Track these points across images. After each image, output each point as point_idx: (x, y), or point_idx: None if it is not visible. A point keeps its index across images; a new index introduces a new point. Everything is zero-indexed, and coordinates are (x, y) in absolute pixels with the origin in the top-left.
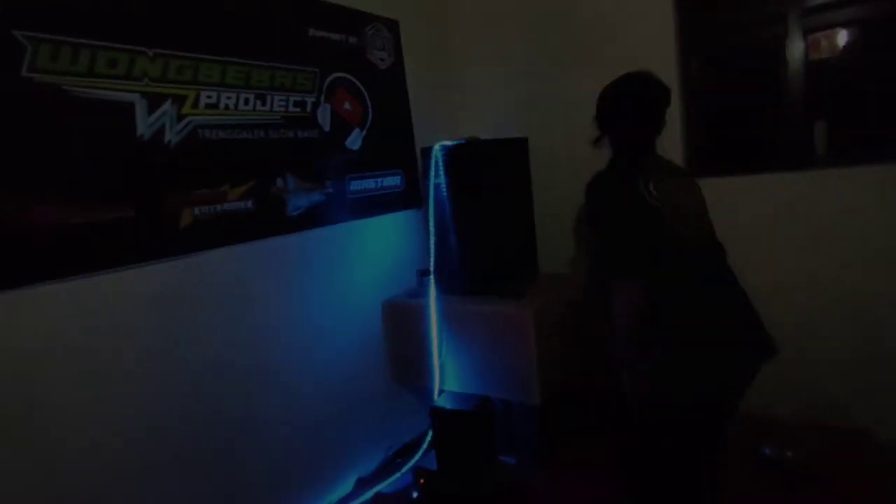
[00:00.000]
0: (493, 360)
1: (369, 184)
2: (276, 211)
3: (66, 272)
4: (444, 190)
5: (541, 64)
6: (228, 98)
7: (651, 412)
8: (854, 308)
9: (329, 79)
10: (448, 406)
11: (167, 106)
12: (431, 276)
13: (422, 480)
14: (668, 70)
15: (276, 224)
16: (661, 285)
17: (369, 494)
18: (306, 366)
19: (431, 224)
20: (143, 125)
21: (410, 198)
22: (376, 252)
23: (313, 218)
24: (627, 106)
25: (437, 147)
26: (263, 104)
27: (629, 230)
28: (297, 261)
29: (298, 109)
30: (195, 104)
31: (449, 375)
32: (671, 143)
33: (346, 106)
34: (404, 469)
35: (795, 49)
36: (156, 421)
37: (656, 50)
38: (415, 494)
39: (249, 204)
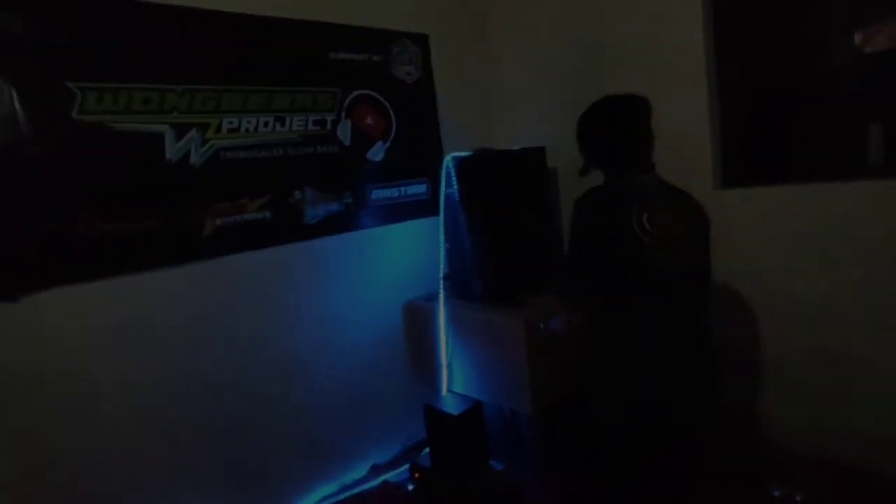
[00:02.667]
0: (491, 366)
1: (392, 193)
2: (294, 220)
3: (108, 272)
4: (456, 199)
5: (574, 73)
6: (249, 122)
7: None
8: None
9: (350, 96)
10: (442, 407)
11: (193, 133)
12: (442, 281)
13: (416, 475)
14: (697, 73)
15: (293, 232)
16: (620, 315)
17: (377, 481)
18: (326, 356)
19: (441, 232)
20: (172, 150)
21: (436, 205)
22: (401, 256)
23: (331, 225)
24: (604, 128)
25: (448, 158)
26: (283, 125)
27: (593, 257)
28: (316, 263)
29: (318, 128)
30: (218, 129)
31: (456, 378)
32: (699, 153)
33: (369, 121)
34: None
35: (846, 41)
36: (183, 397)
37: (688, 54)
38: (410, 487)
39: (267, 214)
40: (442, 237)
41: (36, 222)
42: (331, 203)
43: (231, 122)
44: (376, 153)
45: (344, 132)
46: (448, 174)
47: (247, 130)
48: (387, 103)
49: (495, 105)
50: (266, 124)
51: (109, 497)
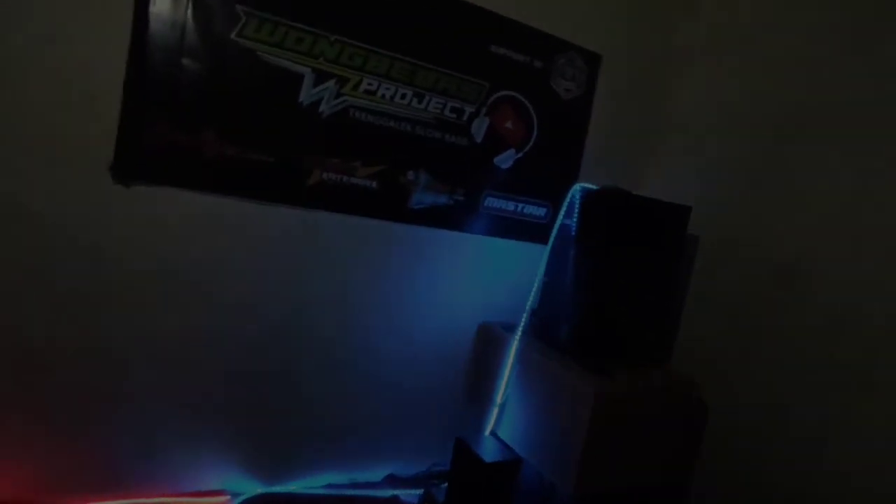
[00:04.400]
0: (545, 425)
1: (508, 205)
2: (398, 199)
3: (211, 189)
4: (571, 233)
5: (755, 138)
6: (387, 89)
7: None
8: None
9: (497, 94)
10: (475, 447)
11: (331, 83)
12: (527, 315)
13: None
14: None
15: (394, 211)
16: None
17: (388, 493)
18: (382, 351)
19: (544, 261)
20: (306, 94)
21: (550, 234)
22: (494, 272)
23: (434, 217)
24: None
25: (576, 186)
26: (419, 102)
27: None
28: (405, 249)
29: (454, 115)
30: (355, 87)
31: (505, 422)
32: None
33: (508, 125)
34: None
35: None
36: (229, 338)
37: None
38: None
39: (374, 184)
40: (542, 268)
41: (169, 125)
42: (441, 195)
43: (370, 84)
44: (505, 160)
45: (479, 128)
46: (571, 204)
47: (382, 96)
48: (533, 113)
49: (652, 148)
50: (403, 96)
51: (137, 400)
